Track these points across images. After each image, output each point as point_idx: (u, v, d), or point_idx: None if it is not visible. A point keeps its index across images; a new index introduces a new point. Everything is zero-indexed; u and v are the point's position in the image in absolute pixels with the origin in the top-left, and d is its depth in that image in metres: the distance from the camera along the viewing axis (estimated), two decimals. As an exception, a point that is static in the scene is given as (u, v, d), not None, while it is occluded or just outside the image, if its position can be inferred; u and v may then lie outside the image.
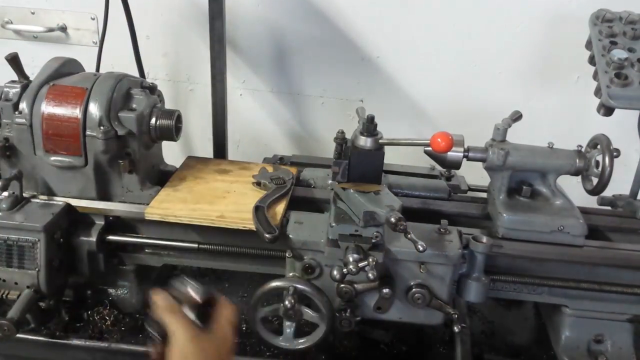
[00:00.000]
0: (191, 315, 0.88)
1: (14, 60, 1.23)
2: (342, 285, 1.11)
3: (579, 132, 1.29)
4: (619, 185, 1.36)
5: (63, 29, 1.89)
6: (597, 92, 1.21)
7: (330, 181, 1.28)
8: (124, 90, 1.24)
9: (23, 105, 1.20)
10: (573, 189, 1.29)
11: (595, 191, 1.20)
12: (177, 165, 1.42)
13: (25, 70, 1.26)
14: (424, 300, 1.12)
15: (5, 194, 1.21)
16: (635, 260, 1.18)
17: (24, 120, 1.19)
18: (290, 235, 1.12)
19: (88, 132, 1.19)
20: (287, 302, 1.07)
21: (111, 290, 1.35)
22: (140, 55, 1.67)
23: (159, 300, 0.88)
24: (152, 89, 1.31)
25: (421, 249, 1.00)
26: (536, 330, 1.39)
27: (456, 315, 1.13)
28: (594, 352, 1.24)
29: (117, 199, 1.28)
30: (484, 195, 1.34)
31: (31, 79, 1.25)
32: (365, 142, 1.13)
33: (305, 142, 2.03)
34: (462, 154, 1.17)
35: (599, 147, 1.19)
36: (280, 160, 1.49)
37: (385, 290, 1.11)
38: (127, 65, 1.62)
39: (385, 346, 1.29)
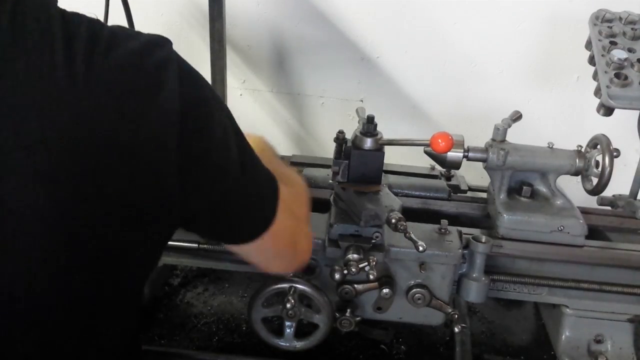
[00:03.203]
0: None
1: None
2: (342, 286, 1.11)
3: (579, 132, 1.29)
4: (619, 185, 1.36)
5: (63, 29, 1.89)
6: (597, 92, 1.21)
7: (330, 181, 1.28)
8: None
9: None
10: (573, 189, 1.29)
11: (595, 191, 1.20)
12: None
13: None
14: (424, 300, 1.12)
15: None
16: (635, 260, 1.18)
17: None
18: (290, 235, 1.12)
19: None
20: (287, 302, 1.07)
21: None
22: (140, 56, 1.67)
23: None
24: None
25: (421, 249, 1.00)
26: (536, 331, 1.39)
27: (456, 315, 1.13)
28: (594, 352, 1.24)
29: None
30: (484, 195, 1.34)
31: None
32: (365, 142, 1.13)
33: (305, 142, 2.03)
34: (462, 154, 1.17)
35: (598, 147, 1.19)
36: (280, 161, 1.49)
37: (385, 291, 1.11)
38: (127, 65, 1.62)
39: (385, 346, 1.30)
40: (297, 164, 1.48)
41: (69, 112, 0.63)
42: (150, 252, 0.80)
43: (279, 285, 1.09)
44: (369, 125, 1.13)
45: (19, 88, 0.62)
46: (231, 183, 0.80)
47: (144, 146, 0.68)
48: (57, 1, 0.70)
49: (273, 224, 0.85)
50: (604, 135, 1.20)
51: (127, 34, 0.72)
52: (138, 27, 1.58)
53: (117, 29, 0.72)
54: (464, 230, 1.18)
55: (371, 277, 1.03)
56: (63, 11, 0.68)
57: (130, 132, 0.67)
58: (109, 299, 0.76)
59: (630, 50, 1.22)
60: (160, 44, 0.75)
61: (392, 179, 1.39)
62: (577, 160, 1.19)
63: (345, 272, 1.03)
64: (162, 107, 0.70)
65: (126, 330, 0.85)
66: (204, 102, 0.76)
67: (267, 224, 0.85)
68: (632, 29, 1.25)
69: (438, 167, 1.36)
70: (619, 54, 1.21)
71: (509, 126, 1.20)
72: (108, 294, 0.75)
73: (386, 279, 1.12)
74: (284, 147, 2.02)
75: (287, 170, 1.06)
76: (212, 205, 0.80)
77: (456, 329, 1.15)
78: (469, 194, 1.44)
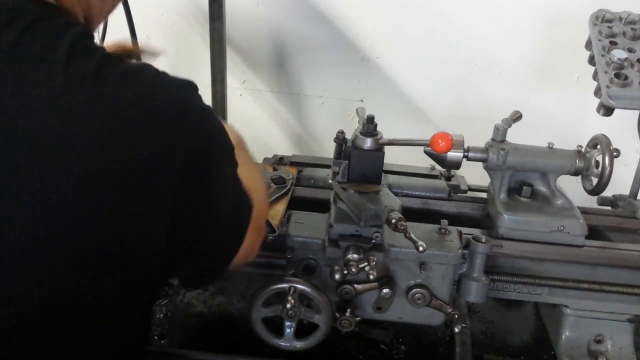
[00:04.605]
0: None
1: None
2: (342, 286, 1.11)
3: (579, 132, 1.29)
4: (619, 185, 1.36)
5: (63, 29, 1.88)
6: (597, 92, 1.21)
7: (330, 181, 1.28)
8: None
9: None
10: (573, 189, 1.29)
11: (595, 191, 1.20)
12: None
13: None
14: (424, 300, 1.12)
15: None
16: (636, 260, 1.18)
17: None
18: (291, 235, 1.12)
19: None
20: (287, 302, 1.07)
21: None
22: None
23: None
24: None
25: (421, 249, 1.00)
26: (536, 330, 1.39)
27: (456, 315, 1.13)
28: (594, 352, 1.24)
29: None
30: (484, 195, 1.34)
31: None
32: (365, 142, 1.13)
33: (305, 142, 2.03)
34: (462, 154, 1.17)
35: (598, 147, 1.19)
36: (280, 160, 1.49)
37: (385, 290, 1.11)
38: (127, 65, 1.62)
39: (385, 346, 1.29)
40: (297, 164, 1.48)
41: (60, 138, 0.63)
42: (145, 279, 0.78)
43: (279, 285, 1.09)
44: (369, 125, 1.13)
45: (7, 110, 0.62)
46: (213, 230, 0.80)
47: (137, 183, 0.67)
48: (77, 31, 0.68)
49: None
50: (604, 135, 1.20)
51: (149, 72, 0.71)
52: (138, 27, 1.58)
53: (139, 67, 0.71)
54: (464, 230, 1.18)
55: (371, 277, 1.03)
56: (77, 42, 0.67)
57: (125, 167, 0.66)
58: (99, 315, 0.75)
59: (630, 50, 1.22)
60: (184, 88, 0.73)
61: (392, 179, 1.39)
62: (577, 160, 1.19)
63: (345, 272, 1.03)
64: (166, 151, 0.69)
65: (125, 340, 0.84)
66: (212, 152, 0.76)
67: (234, 255, 0.86)
68: (632, 29, 1.25)
69: (438, 167, 1.36)
70: (619, 54, 1.21)
71: (509, 126, 1.20)
72: (99, 312, 0.74)
73: (386, 279, 1.12)
74: (284, 147, 2.02)
75: (252, 170, 1.02)
76: (190, 249, 0.80)
77: (456, 329, 1.15)
78: (469, 194, 1.44)
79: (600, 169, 1.17)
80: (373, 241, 1.08)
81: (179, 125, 0.70)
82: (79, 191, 0.64)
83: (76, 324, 0.72)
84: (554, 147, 1.21)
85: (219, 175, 0.78)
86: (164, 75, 0.73)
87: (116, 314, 0.77)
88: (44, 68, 0.64)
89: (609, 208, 1.44)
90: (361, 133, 1.14)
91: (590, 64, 1.26)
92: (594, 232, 1.25)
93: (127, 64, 0.70)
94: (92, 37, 0.74)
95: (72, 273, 0.68)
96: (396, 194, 1.16)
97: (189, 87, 0.74)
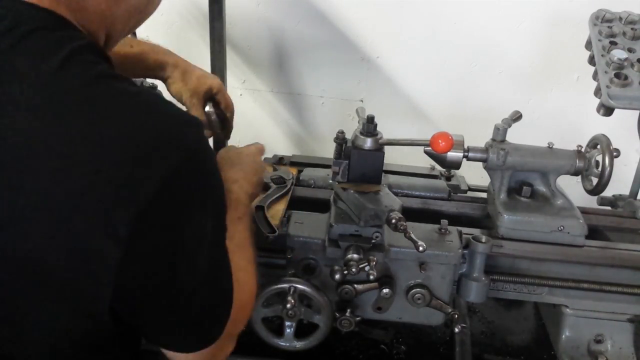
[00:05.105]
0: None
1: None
2: (342, 286, 1.11)
3: (579, 132, 1.29)
4: (619, 185, 1.36)
5: (63, 29, 1.88)
6: (597, 92, 1.21)
7: (330, 181, 1.28)
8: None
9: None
10: (573, 189, 1.29)
11: (595, 191, 1.20)
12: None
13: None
14: (424, 300, 1.12)
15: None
16: (635, 260, 1.18)
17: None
18: (291, 235, 1.12)
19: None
20: (287, 302, 1.07)
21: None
22: (140, 56, 1.67)
23: None
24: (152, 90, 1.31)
25: (421, 249, 1.00)
26: (536, 330, 1.39)
27: (456, 315, 1.13)
28: (594, 352, 1.24)
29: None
30: (484, 195, 1.34)
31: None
32: (365, 142, 1.13)
33: (305, 142, 2.03)
34: (462, 154, 1.17)
35: (598, 147, 1.19)
36: (280, 160, 1.49)
37: (385, 290, 1.11)
38: (127, 65, 1.62)
39: (385, 346, 1.29)
40: (297, 164, 1.48)
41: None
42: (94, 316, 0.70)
43: (279, 285, 1.09)
44: (369, 125, 1.13)
45: None
46: (180, 292, 0.72)
47: (90, 211, 0.62)
48: (78, 45, 0.67)
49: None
50: (604, 135, 1.20)
51: (144, 98, 0.68)
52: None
53: (137, 90, 0.67)
54: (464, 230, 1.18)
55: (371, 277, 1.03)
56: (75, 54, 0.65)
57: (82, 190, 0.62)
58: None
59: (630, 50, 1.22)
60: (180, 122, 0.68)
61: (392, 179, 1.39)
62: (577, 160, 1.19)
63: (345, 272, 1.03)
64: (131, 184, 0.63)
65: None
66: (190, 200, 0.69)
67: (209, 343, 0.79)
68: (632, 29, 1.25)
69: (438, 167, 1.36)
70: (619, 54, 1.21)
71: (509, 126, 1.20)
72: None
73: (386, 279, 1.12)
74: (284, 147, 2.02)
75: (246, 235, 0.94)
76: (152, 307, 0.72)
77: (456, 329, 1.15)
78: (469, 194, 1.44)
79: (600, 169, 1.17)
80: (373, 241, 1.08)
81: (156, 159, 0.64)
82: (29, 204, 0.61)
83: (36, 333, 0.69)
84: (554, 147, 1.21)
85: (194, 228, 0.70)
86: (164, 104, 0.68)
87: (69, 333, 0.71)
88: (33, 74, 0.63)
89: (609, 208, 1.44)
90: (361, 133, 1.14)
91: (590, 64, 1.26)
92: (594, 232, 1.25)
93: (126, 86, 0.67)
94: (98, 53, 0.71)
95: (20, 287, 0.65)
96: (396, 194, 1.16)
97: (186, 123, 0.68)
